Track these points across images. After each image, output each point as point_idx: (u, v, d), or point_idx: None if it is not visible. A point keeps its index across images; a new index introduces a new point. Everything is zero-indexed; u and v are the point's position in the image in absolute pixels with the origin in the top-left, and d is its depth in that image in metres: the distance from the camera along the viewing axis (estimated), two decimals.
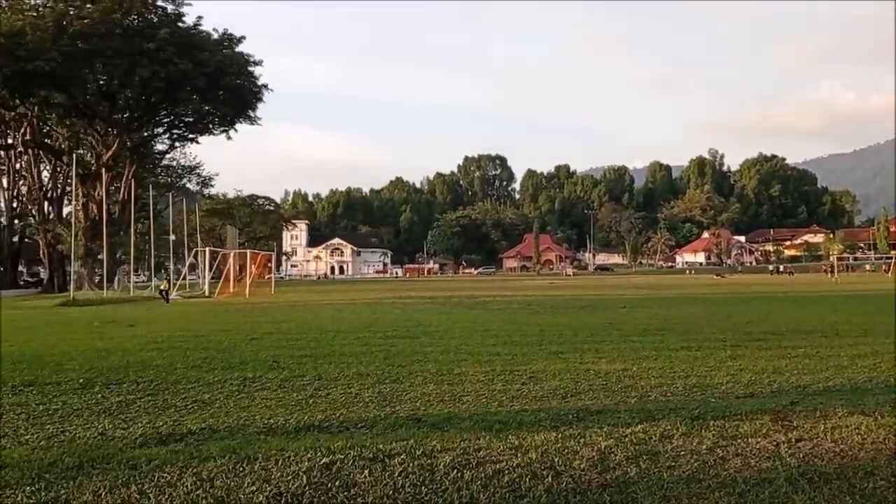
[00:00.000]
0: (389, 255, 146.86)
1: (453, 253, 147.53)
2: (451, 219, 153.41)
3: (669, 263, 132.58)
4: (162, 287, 33.97)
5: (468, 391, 7.69)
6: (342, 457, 5.11)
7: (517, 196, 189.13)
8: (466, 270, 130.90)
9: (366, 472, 4.84)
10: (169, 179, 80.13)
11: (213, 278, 45.36)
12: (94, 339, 13.45)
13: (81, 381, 8.35)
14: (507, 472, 4.87)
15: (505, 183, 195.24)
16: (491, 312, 19.53)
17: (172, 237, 55.80)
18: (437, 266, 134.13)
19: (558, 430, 5.80)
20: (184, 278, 48.59)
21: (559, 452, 5.26)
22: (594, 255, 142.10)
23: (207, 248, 48.42)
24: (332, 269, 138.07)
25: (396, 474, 4.81)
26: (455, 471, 4.88)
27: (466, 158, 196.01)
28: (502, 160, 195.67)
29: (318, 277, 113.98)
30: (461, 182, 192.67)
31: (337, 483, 4.66)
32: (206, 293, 39.09)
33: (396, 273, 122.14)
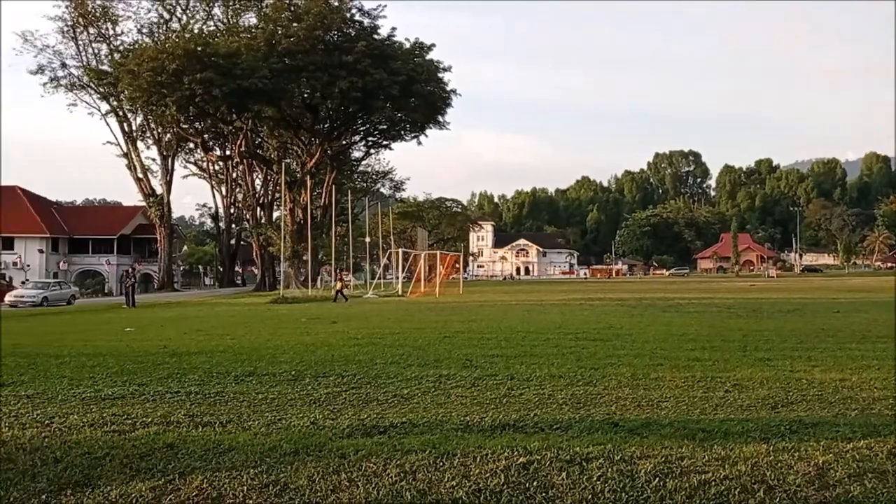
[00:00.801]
0: (576, 255, 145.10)
1: (643, 253, 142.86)
2: (641, 218, 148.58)
3: (889, 264, 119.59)
4: (336, 287, 35.64)
5: (666, 397, 7.40)
6: (539, 457, 5.10)
7: (713, 193, 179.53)
8: (657, 272, 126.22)
9: (563, 474, 4.80)
10: (364, 184, 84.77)
11: (405, 278, 47.30)
12: (302, 335, 14.53)
13: (293, 373, 9.03)
14: (713, 483, 4.62)
15: (699, 179, 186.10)
16: (687, 315, 18.67)
17: (368, 239, 58.86)
18: (625, 267, 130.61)
19: (769, 443, 5.42)
20: (379, 278, 51.05)
21: (771, 466, 4.91)
22: (801, 256, 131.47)
23: (400, 250, 50.62)
24: (518, 269, 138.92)
25: (595, 478, 4.72)
26: (657, 479, 4.71)
27: (657, 155, 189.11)
28: (696, 156, 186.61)
29: (504, 278, 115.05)
30: (651, 180, 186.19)
31: (535, 483, 4.66)
32: (400, 293, 40.80)
33: (585, 274, 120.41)
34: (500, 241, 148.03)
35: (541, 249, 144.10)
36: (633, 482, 4.66)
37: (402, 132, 58.87)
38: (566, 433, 5.84)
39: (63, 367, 9.83)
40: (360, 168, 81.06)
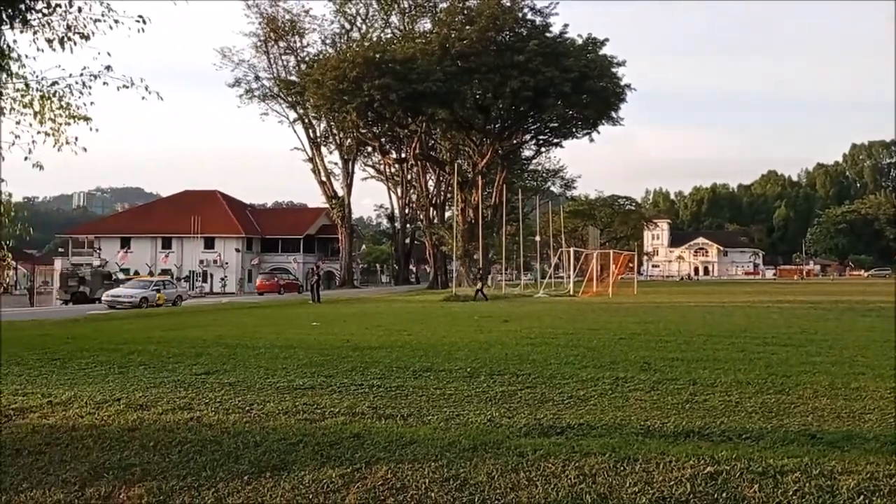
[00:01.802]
0: (761, 255, 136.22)
1: (837, 253, 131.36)
2: (836, 214, 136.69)
3: None
4: (478, 286, 35.47)
5: (870, 408, 6.76)
6: (728, 468, 4.85)
7: None
8: (854, 272, 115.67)
9: (755, 487, 4.53)
10: (535, 183, 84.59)
11: (576, 278, 46.70)
12: (475, 332, 14.80)
13: (469, 369, 9.21)
14: None
15: None
16: (890, 321, 16.95)
17: (538, 238, 58.73)
18: (817, 267, 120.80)
19: None
20: (549, 278, 50.79)
21: None
22: None
23: (571, 249, 50.06)
24: (696, 269, 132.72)
25: (791, 493, 4.41)
26: (861, 497, 4.33)
27: (854, 146, 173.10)
28: None
29: (681, 278, 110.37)
30: (847, 173, 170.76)
31: (724, 495, 4.43)
32: (571, 292, 40.37)
33: (773, 274, 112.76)
34: (677, 239, 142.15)
35: (721, 248, 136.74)
36: (833, 499, 4.31)
37: (574, 129, 58.14)
38: (757, 443, 5.50)
39: (259, 357, 10.67)
40: (531, 167, 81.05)
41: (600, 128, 56.95)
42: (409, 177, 78.38)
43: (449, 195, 70.15)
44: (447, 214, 72.62)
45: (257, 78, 71.64)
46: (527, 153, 72.19)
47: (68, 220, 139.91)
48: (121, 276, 49.45)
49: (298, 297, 44.98)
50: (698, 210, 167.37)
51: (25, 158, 7.77)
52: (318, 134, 72.66)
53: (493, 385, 8.17)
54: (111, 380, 8.68)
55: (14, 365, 10.02)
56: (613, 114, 54.68)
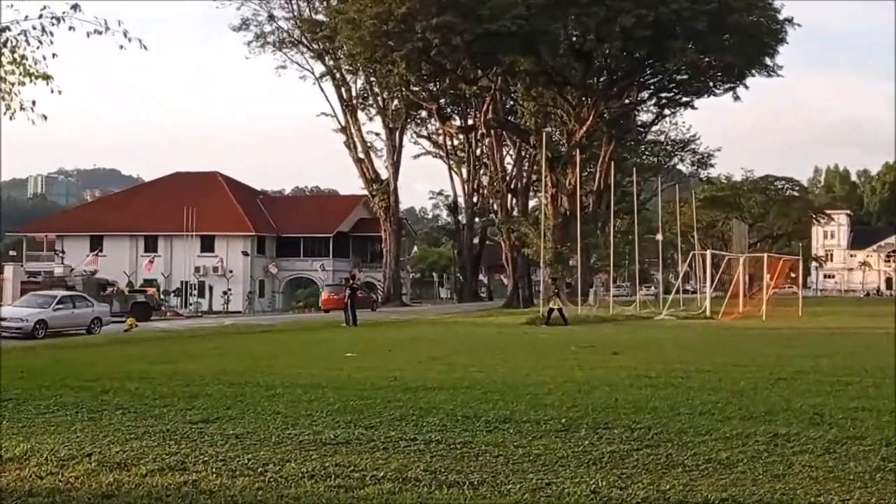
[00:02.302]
0: None
1: None
2: None
3: None
4: (552, 304, 35.00)
5: None
6: None
7: None
8: None
9: None
10: (655, 160, 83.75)
11: (715, 292, 45.98)
12: (572, 369, 14.73)
13: (563, 420, 9.16)
14: None
15: None
16: None
17: (660, 237, 58.05)
18: None
19: None
20: (676, 292, 50.16)
21: None
22: None
23: (707, 251, 49.32)
24: (889, 281, 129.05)
25: None
26: None
27: None
28: None
29: (867, 294, 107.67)
30: None
31: None
32: (707, 312, 39.73)
33: None
34: (861, 238, 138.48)
35: None
36: None
37: (711, 83, 57.31)
38: None
39: (275, 400, 10.84)
40: (649, 136, 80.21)
41: (749, 80, 56.09)
42: (478, 152, 78.60)
43: (534, 177, 69.99)
44: (531, 204, 72.57)
45: (271, 17, 73.01)
46: (644, 117, 71.61)
47: (21, 212, 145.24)
48: (115, 285, 50.70)
49: (322, 316, 45.59)
50: (892, 197, 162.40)
51: None
52: (354, 94, 73.56)
53: (597, 442, 8.10)
54: (79, 428, 8.93)
55: None
56: (768, 60, 53.68)
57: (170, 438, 8.34)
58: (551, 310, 34.41)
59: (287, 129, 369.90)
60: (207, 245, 75.20)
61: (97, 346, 22.58)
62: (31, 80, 8.15)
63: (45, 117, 8.36)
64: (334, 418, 9.40)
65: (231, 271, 72.64)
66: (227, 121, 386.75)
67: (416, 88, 62.95)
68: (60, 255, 72.32)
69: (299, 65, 74.01)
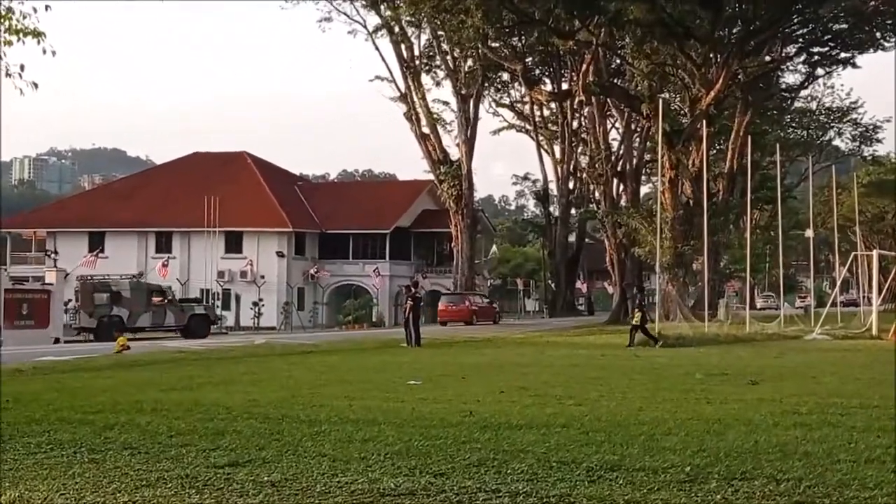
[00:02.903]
0: None
1: None
2: None
3: None
4: (634, 321, 35.02)
5: None
6: None
7: None
8: None
9: None
10: (805, 134, 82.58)
11: (883, 304, 45.18)
12: (700, 402, 14.60)
13: (687, 469, 9.04)
14: None
15: None
16: None
17: (811, 233, 57.22)
18: None
19: None
20: (832, 304, 49.40)
21: None
22: None
23: (874, 252, 48.44)
24: None
25: None
26: None
27: None
28: None
29: None
30: None
31: None
32: (873, 331, 39.04)
33: None
34: None
35: None
36: None
37: (878, 33, 56.30)
38: None
39: (320, 439, 10.90)
40: (797, 105, 79.11)
41: None
42: (575, 125, 78.33)
43: (648, 157, 69.55)
44: (643, 191, 72.14)
45: None
46: (789, 79, 70.72)
47: (4, 203, 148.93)
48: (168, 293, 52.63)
49: (375, 334, 45.77)
50: None
51: None
52: (417, 53, 73.83)
53: (731, 497, 7.99)
54: (78, 472, 9.05)
55: None
56: None
57: (189, 486, 8.42)
58: (634, 327, 34.63)
59: (332, 98, 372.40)
60: (234, 244, 76.23)
61: (99, 370, 22.96)
62: (18, 39, 8.29)
63: (36, 85, 8.49)
64: (394, 462, 9.42)
65: (263, 277, 73.40)
66: (257, 89, 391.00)
67: (496, 44, 62.98)
68: (52, 256, 73.91)
69: (347, 16, 74.51)
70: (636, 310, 36.13)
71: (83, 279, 52.45)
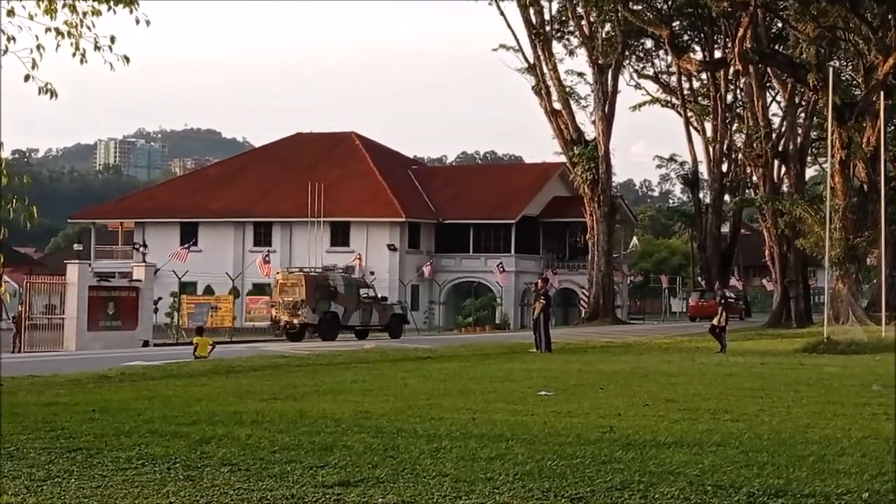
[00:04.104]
0: None
1: None
2: None
3: None
4: (715, 321, 35.86)
5: None
6: None
7: None
8: None
9: None
10: None
11: None
12: (874, 417, 14.42)
13: (865, 495, 8.86)
14: None
15: None
16: None
17: None
18: None
19: None
20: None
21: None
22: None
23: None
24: None
25: None
26: None
27: None
28: None
29: None
30: None
31: None
32: None
33: None
34: None
35: None
36: None
37: None
38: None
39: (440, 456, 10.94)
40: None
41: None
42: (729, 99, 77.40)
43: (814, 135, 68.40)
44: (809, 175, 70.99)
45: None
46: None
47: (88, 190, 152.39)
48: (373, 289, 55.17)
49: (508, 337, 45.77)
50: None
51: (27, 79, 8.42)
52: (548, 18, 73.69)
53: None
54: (172, 491, 9.22)
55: (5, 459, 10.97)
56: None
57: None
58: (714, 328, 35.59)
59: (450, 70, 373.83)
60: (340, 235, 77.04)
61: (193, 377, 23.39)
62: (108, 7, 8.43)
63: (128, 59, 8.63)
64: (524, 484, 9.40)
65: (373, 273, 73.86)
66: (367, 61, 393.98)
67: (639, 7, 62.61)
68: (140, 249, 75.36)
69: None
70: (720, 309, 36.61)
71: (307, 271, 54.39)
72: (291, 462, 10.61)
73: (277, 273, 56.62)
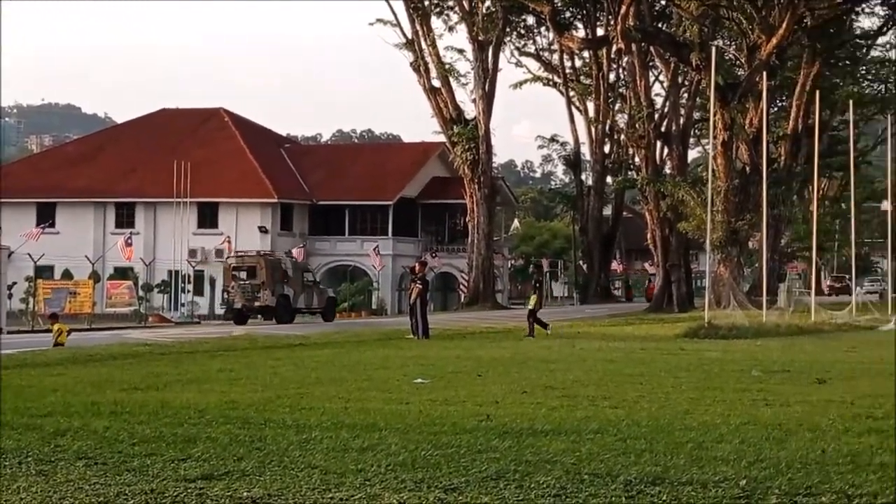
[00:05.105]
0: None
1: None
2: None
3: None
4: (531, 304, 36.21)
5: None
6: None
7: None
8: None
9: None
10: (882, 88, 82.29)
11: None
12: (757, 404, 14.67)
13: (743, 482, 8.97)
14: None
15: None
16: None
17: (889, 205, 57.17)
18: None
19: None
20: None
21: None
22: None
23: None
24: None
25: None
26: None
27: None
28: None
29: None
30: None
31: None
32: None
33: None
34: None
35: None
36: None
37: None
38: None
39: (310, 447, 10.89)
40: (874, 54, 78.82)
41: None
42: (612, 78, 78.12)
43: (697, 116, 69.33)
44: (691, 156, 71.96)
45: None
46: (865, 23, 70.59)
47: None
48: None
49: (385, 323, 45.78)
50: None
51: None
52: None
53: None
54: (24, 486, 9.01)
55: None
56: None
57: (156, 503, 8.44)
58: (531, 312, 35.99)
59: (325, 46, 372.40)
60: (208, 217, 76.42)
61: (50, 366, 22.99)
62: None
63: None
64: (397, 475, 9.39)
65: None
66: (236, 33, 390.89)
67: None
68: None
69: None
70: (532, 292, 37.28)
71: (266, 254, 57.06)
72: (152, 455, 10.48)
73: (228, 258, 58.63)
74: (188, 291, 70.92)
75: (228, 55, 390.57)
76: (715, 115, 52.04)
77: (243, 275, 52.97)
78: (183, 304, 69.62)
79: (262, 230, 75.92)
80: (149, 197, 75.98)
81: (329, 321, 53.75)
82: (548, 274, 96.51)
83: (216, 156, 76.75)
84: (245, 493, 8.70)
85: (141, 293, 62.23)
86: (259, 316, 53.84)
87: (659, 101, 72.34)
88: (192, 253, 72.24)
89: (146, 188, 75.60)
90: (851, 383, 17.70)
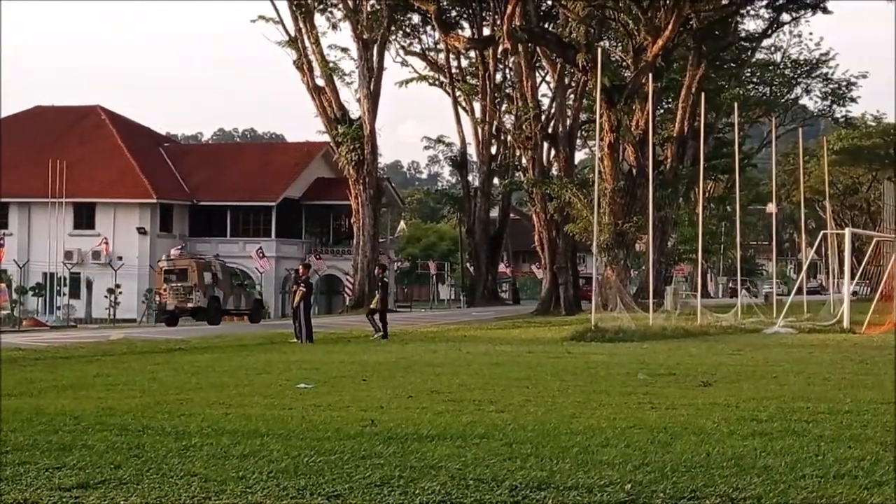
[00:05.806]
0: None
1: None
2: None
3: None
4: (373, 304, 37.56)
5: None
6: None
7: None
8: None
9: None
10: (767, 91, 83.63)
11: (857, 293, 45.92)
12: (643, 407, 14.79)
13: (628, 486, 9.10)
14: None
15: None
16: None
17: (773, 208, 58.10)
18: None
19: None
20: (798, 292, 50.21)
21: None
22: None
23: (846, 230, 49.26)
24: None
25: None
26: None
27: None
28: None
29: None
30: None
31: None
32: (845, 323, 39.72)
33: None
34: None
35: None
36: None
37: None
38: None
39: (190, 455, 10.82)
40: (758, 57, 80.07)
41: None
42: (498, 78, 78.46)
43: (584, 117, 69.89)
44: (578, 158, 72.50)
45: None
46: (750, 26, 71.55)
47: None
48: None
49: (269, 328, 45.57)
50: None
51: None
52: None
53: None
54: None
55: None
56: None
57: None
58: (372, 311, 37.01)
59: (206, 42, 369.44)
60: (85, 218, 75.49)
61: None
62: None
63: None
64: (279, 482, 9.37)
65: (121, 258, 72.86)
66: (114, 27, 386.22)
67: None
68: None
69: None
70: (378, 292, 37.83)
71: (197, 257, 59.01)
72: (25, 463, 10.33)
73: (160, 261, 59.17)
74: (64, 294, 69.99)
75: (105, 51, 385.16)
76: (601, 117, 52.36)
77: (174, 277, 54.76)
78: (59, 308, 68.65)
79: (141, 231, 75.17)
80: (22, 197, 74.81)
81: (256, 322, 55.20)
82: (434, 276, 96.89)
83: (92, 155, 75.87)
84: (122, 502, 8.63)
85: (14, 296, 61.37)
86: (191, 317, 55.02)
87: (546, 101, 72.97)
88: (68, 255, 71.30)
89: (19, 188, 74.36)
90: (736, 386, 17.94)
